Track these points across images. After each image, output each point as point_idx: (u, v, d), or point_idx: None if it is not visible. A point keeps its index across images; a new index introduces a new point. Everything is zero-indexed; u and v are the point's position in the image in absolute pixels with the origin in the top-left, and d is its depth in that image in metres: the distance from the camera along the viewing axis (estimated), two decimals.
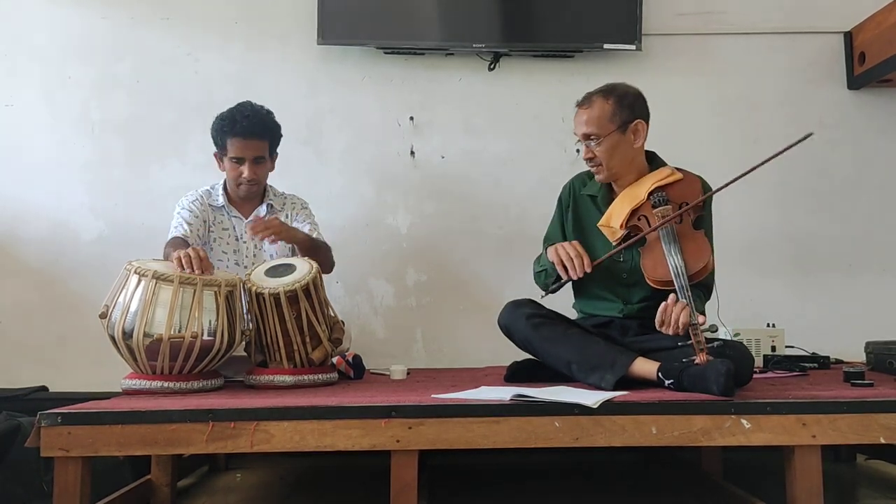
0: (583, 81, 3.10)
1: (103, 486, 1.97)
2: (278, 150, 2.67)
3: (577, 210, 2.35)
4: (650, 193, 2.17)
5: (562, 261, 2.11)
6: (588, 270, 2.08)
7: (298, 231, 2.48)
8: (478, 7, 3.06)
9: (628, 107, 2.21)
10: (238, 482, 2.52)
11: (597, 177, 2.27)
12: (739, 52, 3.18)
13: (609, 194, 2.30)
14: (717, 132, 3.13)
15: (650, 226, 2.12)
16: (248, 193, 2.57)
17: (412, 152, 3.11)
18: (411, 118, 3.12)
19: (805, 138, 2.01)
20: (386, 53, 3.10)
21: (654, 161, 2.31)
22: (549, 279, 2.22)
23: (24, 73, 3.05)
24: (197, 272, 2.08)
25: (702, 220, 2.21)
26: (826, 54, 3.19)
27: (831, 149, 3.17)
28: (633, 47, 3.03)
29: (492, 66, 3.12)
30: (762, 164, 2.08)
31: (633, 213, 2.16)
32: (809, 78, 3.19)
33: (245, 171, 2.49)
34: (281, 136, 2.62)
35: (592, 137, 2.20)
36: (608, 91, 2.23)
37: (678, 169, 2.25)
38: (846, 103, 3.19)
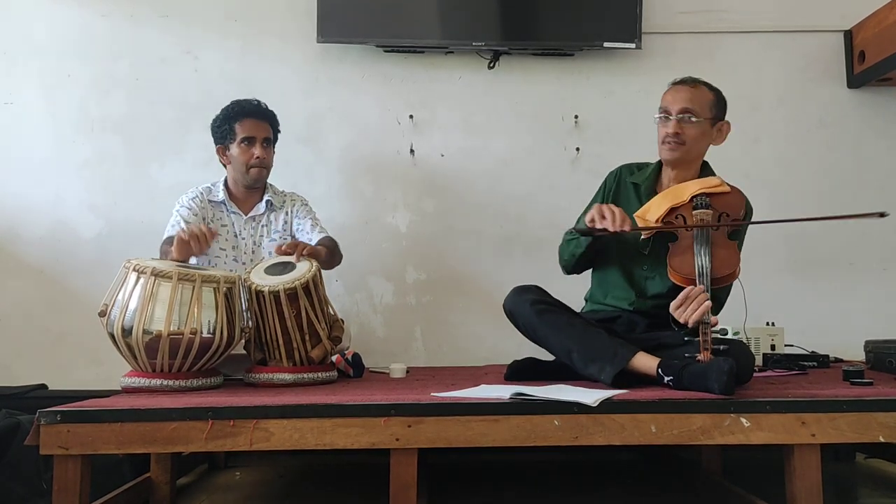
0: (583, 80, 3.14)
1: (103, 484, 1.97)
2: (277, 149, 2.68)
3: (618, 196, 2.36)
4: (693, 196, 2.18)
5: (602, 213, 2.10)
6: (626, 229, 2.08)
7: (319, 248, 2.45)
8: (478, 5, 3.05)
9: (722, 106, 2.28)
10: (237, 480, 2.52)
11: (670, 154, 2.24)
12: (739, 51, 3.18)
13: (654, 186, 2.32)
14: None
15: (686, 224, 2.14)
16: (259, 177, 2.58)
17: (412, 150, 3.11)
18: (411, 116, 3.11)
19: (879, 216, 1.98)
20: (385, 52, 3.10)
21: (704, 169, 2.33)
22: (582, 227, 2.19)
23: (23, 71, 3.05)
24: (202, 245, 2.15)
25: (738, 233, 2.22)
26: (826, 53, 3.19)
27: (831, 147, 3.17)
28: (633, 46, 3.03)
29: (491, 65, 3.12)
30: (820, 219, 2.17)
31: (672, 210, 2.17)
32: (809, 76, 3.19)
33: (257, 150, 2.54)
34: (279, 131, 2.67)
35: (690, 114, 2.21)
36: (711, 86, 2.28)
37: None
38: (846, 102, 3.19)
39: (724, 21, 3.18)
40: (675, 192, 2.22)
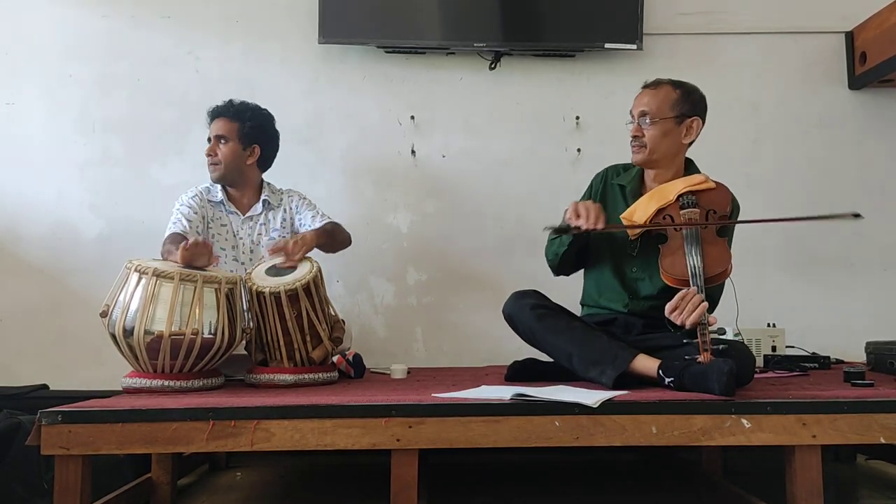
0: (584, 81, 3.14)
1: (103, 484, 1.97)
2: (277, 147, 2.69)
3: (605, 198, 2.36)
4: (679, 195, 2.18)
5: (577, 210, 2.10)
6: (599, 227, 2.07)
7: (308, 233, 2.42)
8: (479, 6, 3.05)
9: (691, 102, 2.25)
10: (238, 481, 2.53)
11: (635, 157, 2.27)
12: (740, 52, 3.18)
13: (640, 188, 2.32)
14: (718, 132, 3.09)
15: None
16: (215, 175, 2.60)
17: (413, 151, 3.11)
18: (412, 117, 3.12)
19: (853, 217, 2.01)
20: (387, 52, 3.10)
21: (689, 167, 2.32)
22: (560, 225, 2.19)
23: (24, 72, 3.05)
24: (206, 257, 2.14)
25: (726, 229, 2.22)
26: (827, 54, 3.19)
27: (832, 149, 3.17)
28: (634, 47, 3.03)
29: (493, 66, 3.12)
30: (797, 219, 2.16)
31: (660, 211, 2.17)
32: (810, 78, 3.19)
33: (207, 149, 2.59)
34: (258, 124, 2.62)
35: (646, 116, 2.22)
36: (678, 83, 2.27)
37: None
38: (847, 103, 3.19)
39: (725, 22, 3.18)
40: (661, 193, 2.21)
